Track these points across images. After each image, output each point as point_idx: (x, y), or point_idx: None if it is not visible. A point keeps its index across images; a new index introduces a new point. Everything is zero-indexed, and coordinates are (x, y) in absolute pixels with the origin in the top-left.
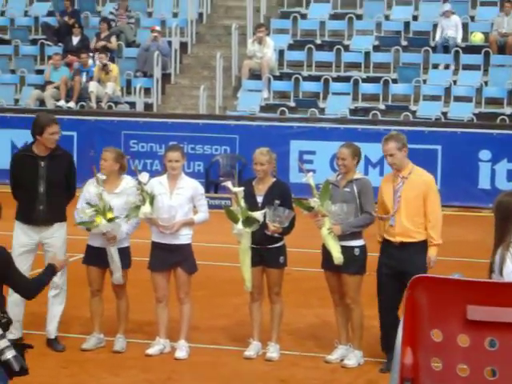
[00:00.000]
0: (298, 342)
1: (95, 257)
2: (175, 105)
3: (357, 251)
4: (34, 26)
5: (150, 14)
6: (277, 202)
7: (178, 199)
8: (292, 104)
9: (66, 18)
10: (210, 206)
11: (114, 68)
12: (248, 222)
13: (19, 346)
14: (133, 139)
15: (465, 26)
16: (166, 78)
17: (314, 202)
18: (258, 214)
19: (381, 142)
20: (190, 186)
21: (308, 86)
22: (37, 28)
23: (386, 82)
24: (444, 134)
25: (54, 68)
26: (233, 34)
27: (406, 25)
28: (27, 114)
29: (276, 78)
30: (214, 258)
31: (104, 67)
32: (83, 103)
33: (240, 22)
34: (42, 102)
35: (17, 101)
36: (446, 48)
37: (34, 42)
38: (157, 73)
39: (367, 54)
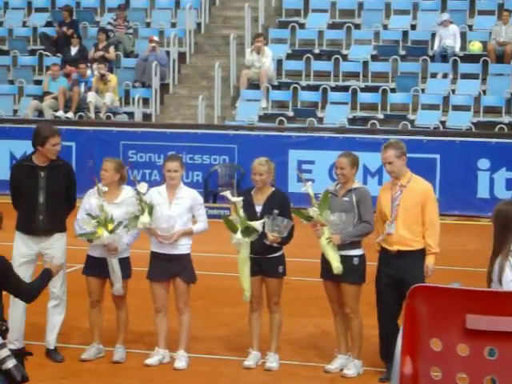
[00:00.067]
0: (297, 352)
1: (95, 267)
2: (174, 115)
3: (356, 260)
4: (33, 37)
5: (148, 24)
6: (276, 211)
7: (176, 209)
8: (290, 113)
9: (65, 29)
10: (209, 216)
11: (112, 78)
12: (247, 231)
13: (19, 354)
14: (131, 149)
15: (463, 35)
16: (164, 88)
17: (313, 211)
18: (256, 224)
19: (379, 151)
20: (189, 196)
21: (306, 96)
22: (35, 38)
23: (385, 92)
24: (442, 143)
25: (53, 78)
26: (231, 44)
27: (404, 34)
28: (26, 125)
29: (274, 87)
30: (213, 267)
31: (102, 77)
32: (82, 113)
33: (238, 31)
34: (40, 113)
35: (15, 111)
36: (444, 57)
37: (32, 52)
38: (155, 83)
39: (365, 64)
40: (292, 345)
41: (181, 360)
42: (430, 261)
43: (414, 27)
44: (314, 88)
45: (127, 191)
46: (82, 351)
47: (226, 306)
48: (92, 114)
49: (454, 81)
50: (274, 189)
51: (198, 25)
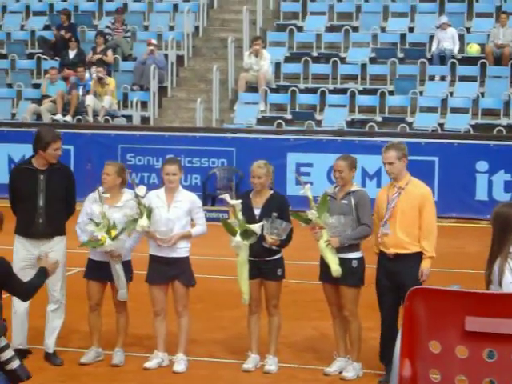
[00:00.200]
0: (296, 355)
1: (96, 270)
2: (172, 118)
3: (354, 263)
4: (31, 40)
5: (146, 28)
6: (274, 214)
7: (175, 212)
8: (289, 116)
9: (63, 32)
10: (208, 219)
11: (110, 81)
12: (246, 234)
13: (19, 353)
14: (130, 153)
15: (461, 38)
16: (162, 91)
17: (312, 214)
18: (255, 227)
19: (378, 153)
20: (188, 199)
21: (305, 99)
22: (33, 42)
23: (383, 94)
24: (441, 146)
25: (51, 82)
26: (229, 47)
27: (402, 37)
28: (24, 129)
29: (272, 90)
30: (211, 270)
31: (100, 80)
32: (80, 117)
33: (236, 34)
34: (38, 116)
35: (13, 115)
36: (442, 59)
37: (30, 56)
38: (153, 86)
39: (363, 66)
40: (291, 348)
41: (180, 363)
42: (425, 265)
43: (412, 30)
44: (313, 91)
45: (128, 195)
46: (81, 355)
47: (225, 309)
48: (90, 118)
49: (452, 83)
50: (272, 192)
51: (196, 28)
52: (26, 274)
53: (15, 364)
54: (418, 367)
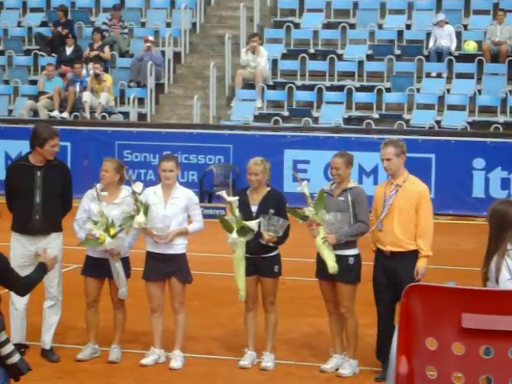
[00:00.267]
0: (292, 352)
1: (94, 267)
2: (169, 114)
3: (351, 260)
4: (28, 37)
5: (143, 24)
6: (271, 211)
7: (172, 209)
8: (286, 113)
9: (60, 29)
10: (204, 216)
11: (107, 78)
12: (242, 231)
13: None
14: (127, 149)
15: (458, 35)
16: (159, 87)
17: (309, 210)
18: (252, 224)
19: (375, 150)
20: (185, 196)
21: (302, 96)
22: (30, 38)
23: (380, 91)
24: (438, 143)
25: (48, 78)
26: (226, 44)
27: (399, 34)
28: (21, 125)
29: (269, 87)
30: (208, 267)
31: (97, 77)
32: (77, 113)
33: (233, 31)
34: (35, 113)
35: (10, 111)
36: (439, 57)
37: (27, 52)
38: (150, 83)
39: (361, 63)
40: (287, 344)
41: (176, 360)
42: (420, 264)
43: (409, 27)
44: (310, 88)
45: (126, 191)
46: (78, 351)
47: (221, 305)
48: (87, 114)
49: (449, 80)
50: (269, 188)
51: (193, 25)
52: (24, 272)
53: (16, 358)
54: (415, 364)
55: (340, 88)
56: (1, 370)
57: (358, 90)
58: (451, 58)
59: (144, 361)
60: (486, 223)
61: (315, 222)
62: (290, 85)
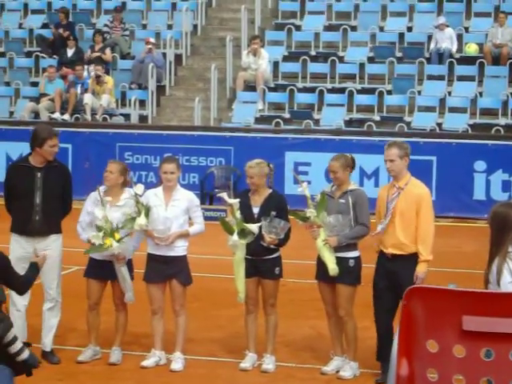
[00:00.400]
0: (293, 354)
1: (97, 269)
2: (170, 117)
3: (351, 262)
4: (29, 39)
5: (144, 26)
6: (273, 213)
7: (173, 211)
8: (287, 115)
9: (61, 31)
10: (205, 218)
11: (108, 80)
12: (243, 233)
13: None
14: (128, 151)
15: (459, 37)
16: (160, 89)
17: (310, 212)
18: (253, 227)
19: (376, 153)
20: (186, 198)
21: (303, 98)
22: (31, 40)
23: (381, 94)
24: (439, 145)
25: (49, 80)
26: (227, 46)
27: (401, 36)
28: (22, 127)
29: (271, 89)
30: (209, 269)
31: (98, 79)
32: (78, 115)
33: (234, 33)
34: (36, 115)
35: (11, 113)
36: (440, 59)
37: (28, 54)
38: (151, 85)
39: (362, 66)
40: (288, 347)
41: (177, 362)
42: (420, 268)
43: (410, 29)
44: (311, 90)
45: (128, 193)
46: (79, 353)
47: (222, 308)
48: (88, 116)
49: (450, 83)
50: (271, 191)
51: (195, 27)
52: (22, 272)
53: (25, 354)
54: (416, 366)
55: (341, 90)
56: (7, 369)
57: (359, 92)
58: (452, 60)
59: (145, 363)
60: (487, 226)
61: (316, 223)
62: (291, 87)
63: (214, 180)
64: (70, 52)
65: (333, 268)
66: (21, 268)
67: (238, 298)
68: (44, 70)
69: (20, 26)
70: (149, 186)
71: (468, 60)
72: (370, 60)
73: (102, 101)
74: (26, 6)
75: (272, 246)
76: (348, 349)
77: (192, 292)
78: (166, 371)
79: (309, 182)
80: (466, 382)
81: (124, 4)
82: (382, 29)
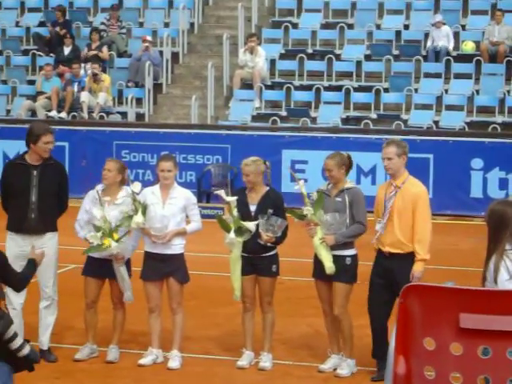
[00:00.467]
0: (290, 352)
1: (95, 268)
2: (167, 115)
3: (348, 260)
4: (26, 37)
5: (141, 24)
6: (270, 211)
7: (170, 209)
8: (284, 113)
9: (58, 29)
10: (202, 216)
11: (105, 78)
12: (240, 231)
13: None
14: (124, 149)
15: (456, 35)
16: (157, 87)
17: (308, 210)
18: (250, 225)
19: (373, 151)
20: (183, 196)
21: (300, 96)
22: (28, 38)
23: (378, 91)
24: (436, 143)
25: (46, 78)
26: (224, 44)
27: (397, 34)
28: (19, 125)
29: (267, 87)
30: (206, 267)
31: (95, 77)
32: (75, 113)
33: (231, 31)
34: (33, 113)
35: (8, 111)
36: (437, 57)
37: (25, 52)
38: (148, 83)
39: (359, 63)
40: (285, 344)
41: (174, 360)
42: (416, 268)
43: (407, 27)
44: (308, 88)
45: (125, 191)
46: (76, 351)
47: (219, 306)
48: (85, 114)
49: (447, 80)
50: (268, 188)
51: (191, 25)
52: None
53: (26, 350)
54: (413, 364)
55: (338, 88)
56: (6, 366)
57: (356, 90)
58: (449, 58)
59: (142, 361)
60: (484, 223)
61: (313, 221)
62: (288, 85)
63: (210, 178)
64: (66, 50)
65: (329, 267)
66: (17, 266)
67: (234, 296)
68: (41, 68)
69: (17, 24)
70: (146, 184)
71: (465, 58)
72: (367, 58)
73: (98, 99)
74: (22, 4)
75: (269, 244)
76: (344, 347)
77: (189, 290)
78: (163, 369)
79: (305, 180)
80: (464, 379)
81: (121, 2)
82: (378, 27)
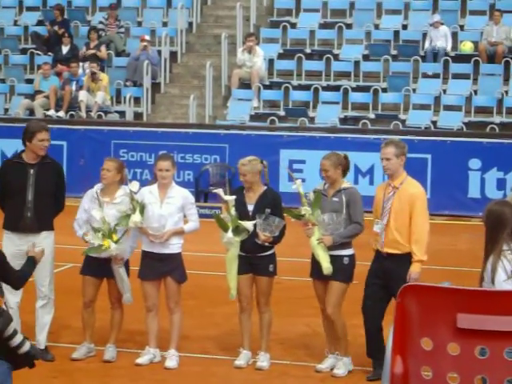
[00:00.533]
0: (288, 351)
1: (94, 267)
2: (165, 114)
3: (346, 260)
4: (24, 36)
5: (139, 24)
6: (267, 210)
7: (168, 208)
8: (282, 113)
9: (56, 28)
10: (200, 215)
11: (103, 77)
12: (237, 230)
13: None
14: (123, 148)
15: (454, 35)
16: (155, 87)
17: (305, 210)
18: (248, 224)
19: (371, 151)
20: (181, 195)
21: (298, 95)
22: (26, 37)
23: (376, 91)
24: (434, 143)
25: (44, 77)
26: (222, 43)
27: (396, 34)
28: (17, 124)
29: (266, 87)
30: (203, 267)
31: (93, 76)
32: (73, 112)
33: (230, 31)
34: (31, 112)
35: (6, 110)
36: (435, 57)
37: (23, 51)
38: (146, 82)
39: (357, 63)
40: (283, 344)
41: (171, 359)
42: (413, 268)
43: (405, 27)
44: (306, 88)
45: (123, 190)
46: (73, 350)
47: (217, 305)
48: (83, 113)
49: (445, 81)
50: (266, 188)
51: (190, 24)
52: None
53: (27, 346)
54: (410, 364)
55: (336, 88)
56: (5, 364)
57: (354, 90)
58: (447, 58)
59: (139, 360)
60: (481, 224)
61: (311, 221)
62: (286, 85)
63: (208, 177)
64: (65, 49)
65: (327, 267)
66: (14, 265)
67: (230, 295)
68: (39, 67)
69: (15, 23)
70: (144, 183)
71: (463, 58)
72: (365, 58)
73: (96, 98)
74: (21, 2)
75: (266, 244)
76: (339, 346)
77: (187, 289)
78: (161, 369)
79: (303, 180)
80: (461, 379)
81: (119, 1)
82: (377, 26)
